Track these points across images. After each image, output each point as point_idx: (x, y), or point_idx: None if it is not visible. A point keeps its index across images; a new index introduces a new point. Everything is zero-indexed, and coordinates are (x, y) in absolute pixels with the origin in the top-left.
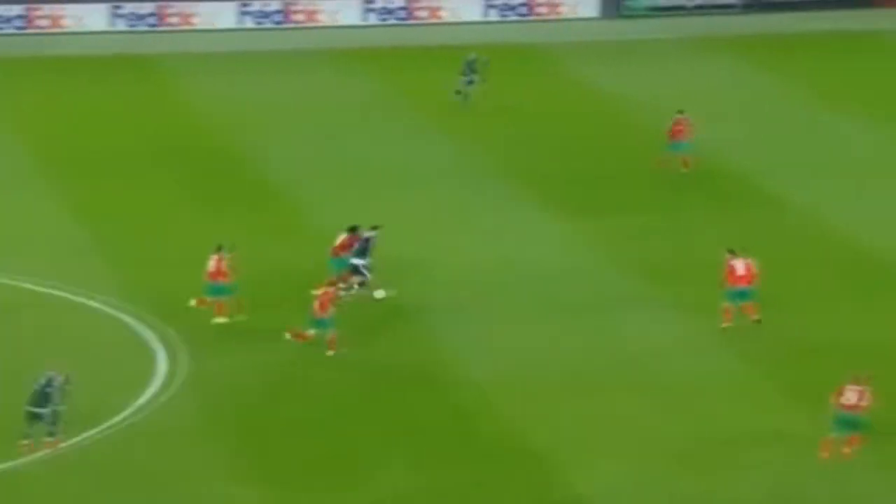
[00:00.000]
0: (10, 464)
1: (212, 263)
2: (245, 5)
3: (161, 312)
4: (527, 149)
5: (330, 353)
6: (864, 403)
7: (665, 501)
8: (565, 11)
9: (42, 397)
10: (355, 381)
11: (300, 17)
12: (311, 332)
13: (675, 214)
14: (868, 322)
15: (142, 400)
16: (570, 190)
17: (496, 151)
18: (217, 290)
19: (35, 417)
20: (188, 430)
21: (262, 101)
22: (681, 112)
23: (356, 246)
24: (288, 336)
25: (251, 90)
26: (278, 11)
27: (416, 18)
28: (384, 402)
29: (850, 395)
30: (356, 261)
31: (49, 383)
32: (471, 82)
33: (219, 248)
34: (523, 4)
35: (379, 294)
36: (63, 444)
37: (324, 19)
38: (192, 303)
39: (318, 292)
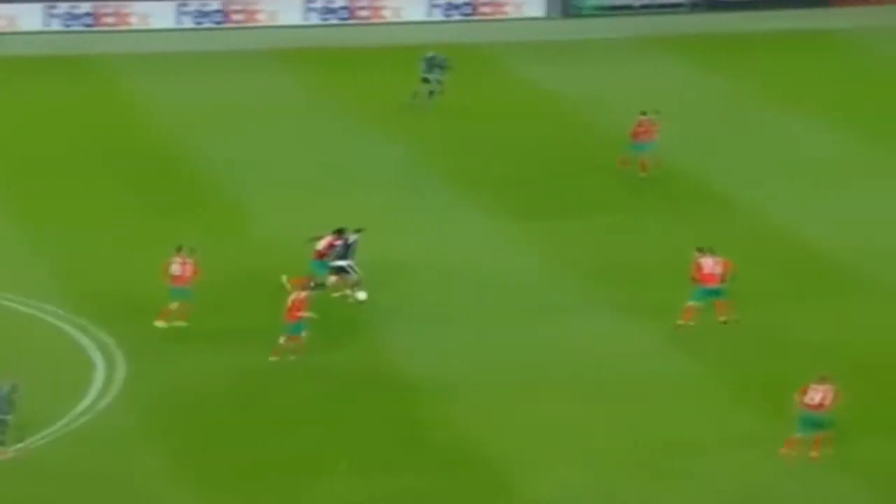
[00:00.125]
0: None
1: (175, 266)
2: (183, 5)
3: (101, 317)
4: (474, 150)
5: (292, 357)
6: (827, 403)
7: None
8: (511, 11)
9: None
10: (301, 386)
11: (240, 16)
12: (282, 339)
13: (625, 216)
14: (819, 322)
15: (81, 407)
16: (518, 192)
17: (442, 153)
18: (180, 294)
19: None
20: (128, 436)
21: (203, 102)
22: (644, 113)
23: (337, 248)
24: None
25: (192, 91)
26: (218, 11)
27: (357, 18)
28: (331, 408)
29: (815, 395)
30: (340, 263)
31: None
32: (430, 80)
33: (179, 250)
34: (467, 4)
35: (361, 296)
36: (11, 453)
37: (264, 19)
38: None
39: (293, 297)
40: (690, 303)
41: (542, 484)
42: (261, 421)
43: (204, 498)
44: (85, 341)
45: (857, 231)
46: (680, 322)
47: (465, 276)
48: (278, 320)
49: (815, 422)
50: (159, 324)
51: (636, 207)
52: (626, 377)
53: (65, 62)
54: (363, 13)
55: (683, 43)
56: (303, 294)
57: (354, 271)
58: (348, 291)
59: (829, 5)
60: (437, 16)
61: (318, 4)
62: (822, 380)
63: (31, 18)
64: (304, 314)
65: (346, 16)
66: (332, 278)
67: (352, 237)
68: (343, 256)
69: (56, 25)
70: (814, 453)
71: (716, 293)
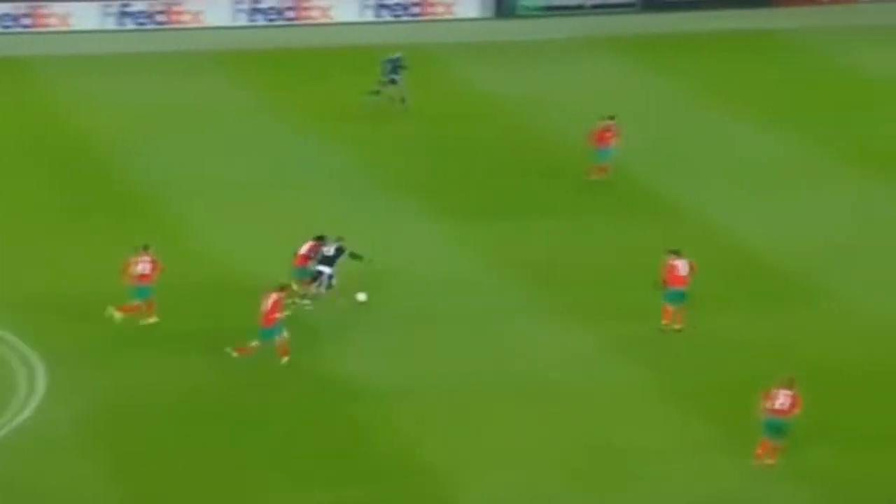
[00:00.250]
0: None
1: (143, 265)
2: (126, 6)
3: (25, 325)
4: (415, 152)
5: (284, 360)
6: (790, 408)
7: None
8: (457, 11)
9: None
10: (242, 394)
11: (185, 17)
12: (255, 343)
13: (569, 218)
14: (764, 327)
15: (4, 418)
16: (460, 194)
17: (383, 155)
18: (145, 292)
19: None
20: (58, 446)
21: (144, 105)
22: (612, 118)
23: (320, 253)
24: (233, 353)
25: (133, 93)
26: (160, 12)
27: (286, 19)
28: (271, 418)
29: (784, 400)
30: (323, 268)
31: None
32: (397, 81)
33: (146, 248)
34: (399, 4)
35: (361, 297)
36: None
37: (189, 20)
38: (115, 314)
39: (268, 299)
40: (665, 304)
41: (483, 493)
42: (199, 434)
43: None
44: (14, 348)
45: (802, 234)
46: (664, 323)
47: (408, 279)
48: (218, 324)
49: (779, 427)
50: (117, 315)
51: (580, 210)
52: (569, 381)
53: (1, 64)
54: (291, 14)
55: (625, 43)
56: (275, 295)
57: (330, 284)
58: (297, 299)
59: (772, 5)
60: (369, 16)
61: (245, 6)
62: (790, 383)
63: None
64: (281, 315)
65: (275, 16)
66: (308, 283)
67: (334, 246)
68: (331, 262)
69: None
70: (770, 460)
71: (684, 296)
